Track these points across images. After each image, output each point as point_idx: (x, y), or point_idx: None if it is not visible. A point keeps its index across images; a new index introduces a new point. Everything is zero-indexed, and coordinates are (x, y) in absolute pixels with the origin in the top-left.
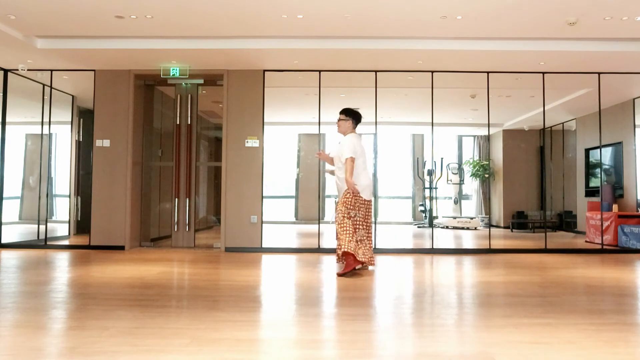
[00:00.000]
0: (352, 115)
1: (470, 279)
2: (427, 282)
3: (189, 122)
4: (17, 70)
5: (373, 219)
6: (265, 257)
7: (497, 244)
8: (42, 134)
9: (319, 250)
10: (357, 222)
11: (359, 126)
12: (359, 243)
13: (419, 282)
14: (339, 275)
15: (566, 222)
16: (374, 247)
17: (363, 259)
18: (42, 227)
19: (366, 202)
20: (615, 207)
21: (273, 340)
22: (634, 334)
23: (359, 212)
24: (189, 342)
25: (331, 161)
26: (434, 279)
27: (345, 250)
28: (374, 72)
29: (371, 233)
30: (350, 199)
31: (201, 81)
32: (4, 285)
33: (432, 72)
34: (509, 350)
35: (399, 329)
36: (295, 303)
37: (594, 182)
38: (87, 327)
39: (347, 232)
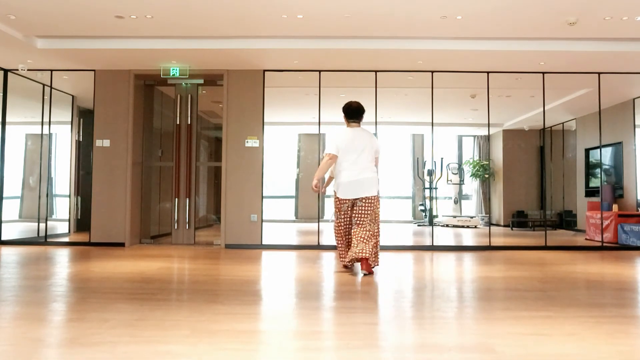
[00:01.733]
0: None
1: (470, 275)
2: (427, 277)
3: (189, 122)
4: (17, 70)
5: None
6: (265, 254)
7: (497, 241)
8: (42, 134)
9: (319, 247)
10: (344, 225)
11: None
12: (343, 245)
13: (419, 277)
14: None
15: (566, 221)
16: None
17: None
18: (42, 225)
19: (345, 202)
20: (615, 207)
21: (273, 332)
22: (634, 326)
23: (340, 213)
24: (189, 333)
25: None
26: (434, 274)
27: (344, 264)
28: (374, 72)
29: (356, 233)
30: (334, 202)
31: (201, 81)
32: (4, 279)
33: (432, 72)
34: (509, 341)
35: (399, 321)
36: (295, 297)
37: (594, 182)
38: (87, 319)
39: (338, 240)
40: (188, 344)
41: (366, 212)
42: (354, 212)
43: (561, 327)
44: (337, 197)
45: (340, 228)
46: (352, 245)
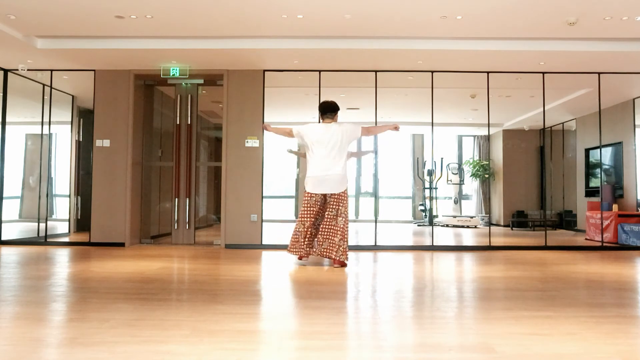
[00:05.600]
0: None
1: (470, 274)
2: (427, 277)
3: (189, 122)
4: (17, 70)
5: (373, 217)
6: (265, 254)
7: (497, 241)
8: (42, 134)
9: None
10: (307, 218)
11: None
12: (301, 237)
13: (419, 277)
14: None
15: (566, 221)
16: (374, 244)
17: (298, 253)
18: (42, 224)
19: (312, 196)
20: (615, 207)
21: (273, 331)
22: (634, 326)
23: (308, 206)
24: (189, 333)
25: None
26: (434, 274)
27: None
28: (374, 72)
29: (322, 229)
30: (303, 196)
31: (201, 81)
32: (4, 279)
33: (432, 72)
34: (509, 341)
35: (399, 320)
36: (295, 297)
37: (594, 182)
38: (87, 319)
39: (296, 230)
40: (188, 343)
41: (335, 207)
42: (326, 208)
43: (561, 327)
44: (306, 191)
45: (302, 220)
46: (318, 242)
